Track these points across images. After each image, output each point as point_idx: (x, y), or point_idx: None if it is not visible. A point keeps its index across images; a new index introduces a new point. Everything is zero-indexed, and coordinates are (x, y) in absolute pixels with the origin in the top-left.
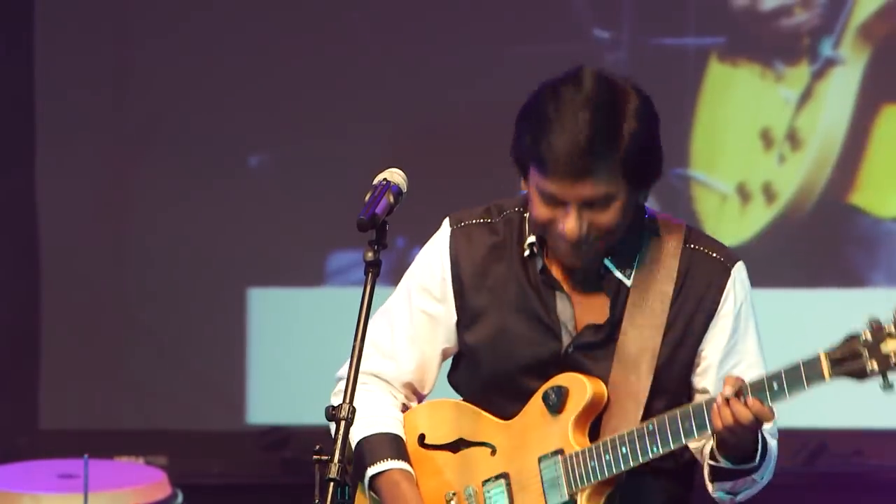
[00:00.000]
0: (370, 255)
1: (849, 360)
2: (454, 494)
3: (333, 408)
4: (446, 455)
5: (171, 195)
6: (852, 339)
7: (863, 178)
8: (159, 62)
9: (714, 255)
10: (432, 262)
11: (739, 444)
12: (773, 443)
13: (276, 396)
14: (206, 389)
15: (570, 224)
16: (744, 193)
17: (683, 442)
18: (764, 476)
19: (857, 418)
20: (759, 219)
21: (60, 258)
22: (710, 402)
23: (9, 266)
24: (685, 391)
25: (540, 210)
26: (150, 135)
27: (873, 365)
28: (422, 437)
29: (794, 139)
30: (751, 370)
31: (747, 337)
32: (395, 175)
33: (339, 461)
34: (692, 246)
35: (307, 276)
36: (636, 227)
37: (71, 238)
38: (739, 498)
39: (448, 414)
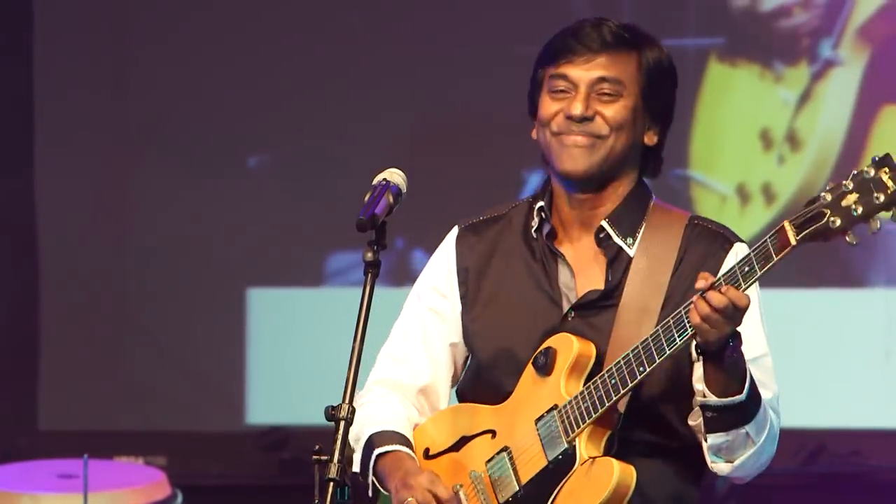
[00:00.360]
0: (370, 255)
1: (812, 221)
2: (461, 486)
3: (333, 408)
4: (450, 456)
5: (170, 195)
6: (813, 202)
7: None
8: (159, 62)
9: (717, 231)
10: (439, 260)
11: (721, 353)
12: (772, 414)
13: (276, 397)
14: (205, 390)
15: (575, 104)
16: (743, 194)
17: (667, 352)
18: (760, 436)
19: (856, 418)
20: (758, 219)
21: (60, 258)
22: (686, 306)
23: (8, 266)
24: (685, 360)
25: (548, 107)
26: (150, 135)
27: (836, 221)
28: (427, 451)
29: (793, 140)
30: (750, 350)
31: (747, 314)
32: (395, 175)
33: (339, 461)
34: (696, 222)
35: (307, 277)
36: (641, 201)
37: (70, 238)
38: (737, 465)
39: (446, 421)
